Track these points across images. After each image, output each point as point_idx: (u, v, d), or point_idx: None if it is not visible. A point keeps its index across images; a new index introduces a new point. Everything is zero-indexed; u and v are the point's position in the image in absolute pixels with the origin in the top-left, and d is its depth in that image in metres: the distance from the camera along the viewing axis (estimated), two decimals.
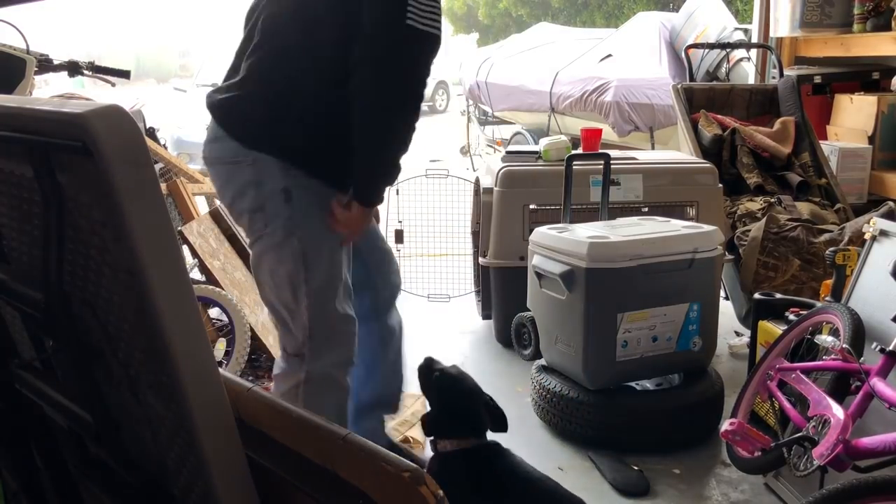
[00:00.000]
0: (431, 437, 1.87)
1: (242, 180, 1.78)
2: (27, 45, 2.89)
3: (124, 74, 3.27)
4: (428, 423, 1.87)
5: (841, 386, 2.00)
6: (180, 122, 8.29)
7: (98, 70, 3.21)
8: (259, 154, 1.75)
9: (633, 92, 6.41)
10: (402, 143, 1.73)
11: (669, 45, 6.88)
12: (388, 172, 1.77)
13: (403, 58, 1.64)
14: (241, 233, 3.42)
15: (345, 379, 1.93)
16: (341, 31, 1.68)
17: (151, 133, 3.84)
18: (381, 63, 1.64)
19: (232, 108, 1.79)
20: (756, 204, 3.46)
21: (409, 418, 2.66)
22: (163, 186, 3.34)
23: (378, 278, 2.10)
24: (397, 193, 3.82)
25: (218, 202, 3.62)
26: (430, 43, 1.64)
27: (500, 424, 1.93)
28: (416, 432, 2.58)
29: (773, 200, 3.46)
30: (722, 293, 3.32)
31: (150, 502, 1.18)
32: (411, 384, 3.05)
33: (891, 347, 1.86)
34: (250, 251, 1.89)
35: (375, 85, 1.65)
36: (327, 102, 1.75)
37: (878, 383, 1.83)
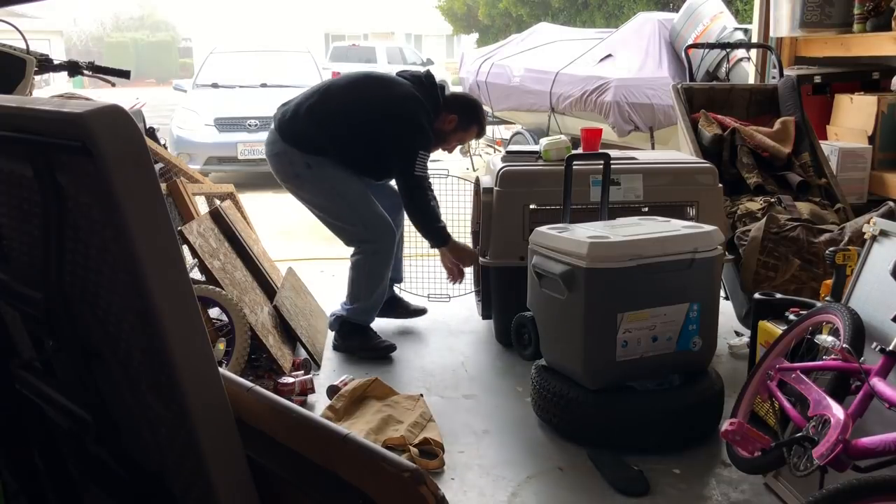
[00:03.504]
0: None
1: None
2: (27, 45, 2.89)
3: (124, 74, 3.27)
4: None
5: (841, 386, 2.00)
6: (180, 122, 8.27)
7: (98, 70, 3.21)
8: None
9: (633, 92, 6.41)
10: (423, 221, 3.31)
11: (669, 45, 6.88)
12: (430, 233, 3.33)
13: (414, 191, 3.22)
14: (240, 232, 3.42)
15: None
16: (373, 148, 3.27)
17: (151, 133, 3.84)
18: (406, 188, 3.25)
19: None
20: (756, 204, 3.46)
21: (418, 419, 2.65)
22: (163, 186, 3.33)
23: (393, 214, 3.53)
24: None
25: (218, 202, 3.62)
26: (424, 178, 3.23)
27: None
28: (431, 433, 2.59)
29: (773, 200, 3.46)
30: (722, 293, 3.32)
31: (150, 502, 1.18)
32: (411, 386, 3.07)
33: (891, 347, 1.86)
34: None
35: (405, 199, 3.29)
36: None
37: (878, 383, 1.83)
